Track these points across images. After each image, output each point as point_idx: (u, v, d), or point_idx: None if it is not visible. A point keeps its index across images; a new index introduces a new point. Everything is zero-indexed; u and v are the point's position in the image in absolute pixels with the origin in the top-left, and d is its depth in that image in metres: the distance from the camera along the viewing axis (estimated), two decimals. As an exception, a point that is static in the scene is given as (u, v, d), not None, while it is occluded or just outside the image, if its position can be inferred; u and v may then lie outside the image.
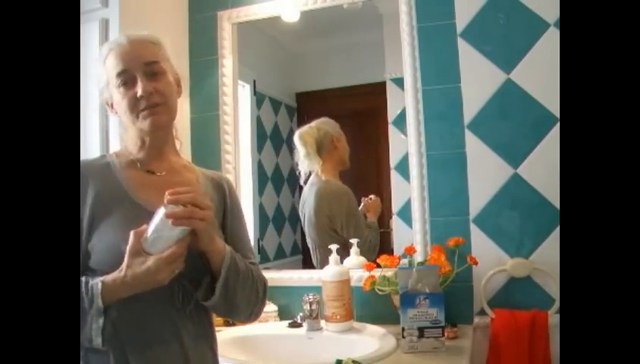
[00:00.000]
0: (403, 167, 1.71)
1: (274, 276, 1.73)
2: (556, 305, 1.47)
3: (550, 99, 1.50)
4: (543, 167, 1.51)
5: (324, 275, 1.54)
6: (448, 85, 1.61)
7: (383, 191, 1.86)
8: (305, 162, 1.84)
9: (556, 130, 1.50)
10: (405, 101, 1.66)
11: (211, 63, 1.90)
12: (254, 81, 1.99)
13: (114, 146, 1.57)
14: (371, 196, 1.83)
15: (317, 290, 1.55)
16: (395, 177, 1.79)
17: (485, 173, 1.56)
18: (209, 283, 0.94)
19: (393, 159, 1.79)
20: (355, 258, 1.68)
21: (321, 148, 1.84)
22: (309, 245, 1.86)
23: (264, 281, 1.05)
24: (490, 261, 1.52)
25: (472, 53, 1.59)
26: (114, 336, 0.86)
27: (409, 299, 1.33)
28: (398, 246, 1.73)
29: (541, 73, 1.52)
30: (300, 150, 1.84)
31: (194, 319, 0.95)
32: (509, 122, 1.54)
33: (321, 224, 1.82)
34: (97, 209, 0.91)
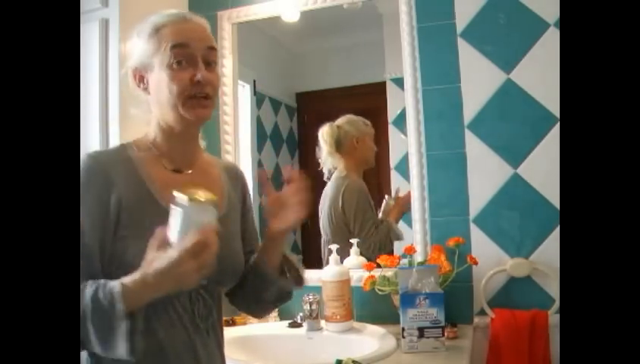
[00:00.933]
0: (403, 167, 1.71)
1: (274, 276, 1.73)
2: (556, 305, 1.47)
3: (550, 99, 1.50)
4: (543, 167, 1.51)
5: (324, 275, 1.54)
6: (448, 85, 1.61)
7: (383, 191, 1.86)
8: (328, 159, 1.85)
9: (556, 130, 1.50)
10: (405, 101, 1.66)
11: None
12: (254, 81, 1.99)
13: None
14: (400, 193, 1.78)
15: (317, 290, 1.55)
16: (395, 177, 1.79)
17: (485, 173, 1.56)
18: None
19: (393, 159, 1.79)
20: (355, 258, 1.68)
21: (341, 146, 1.84)
22: (322, 240, 1.85)
23: None
24: (490, 261, 1.52)
25: (472, 53, 1.59)
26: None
27: (409, 299, 1.33)
28: (398, 246, 1.73)
29: (541, 73, 1.52)
30: (322, 147, 1.85)
31: (210, 335, 0.92)
32: (509, 122, 1.54)
33: (335, 219, 1.83)
34: (121, 214, 0.83)
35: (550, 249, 1.49)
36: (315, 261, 1.84)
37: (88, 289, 0.77)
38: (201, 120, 0.90)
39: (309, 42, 2.02)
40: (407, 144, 1.66)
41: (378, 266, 1.55)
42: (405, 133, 1.68)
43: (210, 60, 0.90)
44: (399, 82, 1.71)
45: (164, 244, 0.76)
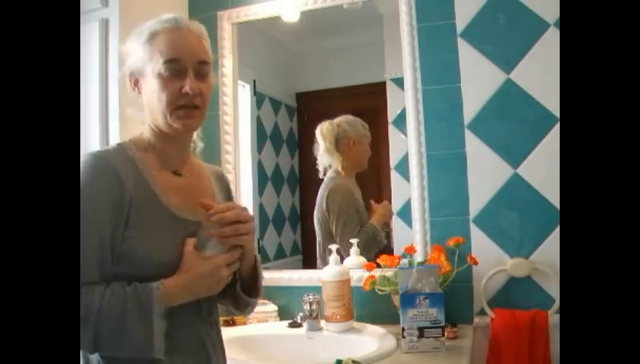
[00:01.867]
0: (403, 167, 1.71)
1: (274, 276, 1.73)
2: (556, 305, 1.47)
3: (550, 99, 1.50)
4: (543, 167, 1.51)
5: (324, 275, 1.54)
6: (448, 85, 1.61)
7: (383, 191, 1.86)
8: (325, 157, 1.85)
9: (556, 130, 1.50)
10: (405, 101, 1.66)
11: (211, 63, 1.89)
12: (254, 81, 1.99)
13: (114, 146, 1.58)
14: (383, 202, 1.82)
15: (317, 290, 1.55)
16: (395, 177, 1.79)
17: (485, 173, 1.56)
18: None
19: (393, 159, 1.79)
20: (355, 258, 1.68)
21: (338, 145, 1.84)
22: (317, 241, 1.86)
23: None
24: (491, 261, 1.52)
25: (472, 53, 1.59)
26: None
27: (409, 299, 1.33)
28: (398, 246, 1.72)
29: (541, 73, 1.51)
30: (320, 144, 1.85)
31: (213, 327, 0.98)
32: (509, 122, 1.54)
33: (322, 221, 1.83)
34: (131, 213, 0.85)
35: (550, 249, 1.49)
36: (315, 261, 1.84)
37: (117, 289, 0.80)
38: (188, 129, 0.93)
39: (309, 42, 2.02)
40: (407, 144, 1.66)
41: (378, 266, 1.55)
42: (405, 133, 1.68)
43: (202, 72, 0.92)
44: (399, 82, 1.71)
45: (198, 255, 0.87)
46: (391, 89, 1.81)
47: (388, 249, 1.76)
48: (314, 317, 1.53)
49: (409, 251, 1.57)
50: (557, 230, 1.48)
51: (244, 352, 1.43)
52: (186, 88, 0.88)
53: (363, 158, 1.85)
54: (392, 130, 1.80)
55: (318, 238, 1.84)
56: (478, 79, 1.58)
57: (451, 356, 1.30)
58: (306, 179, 1.98)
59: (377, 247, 1.78)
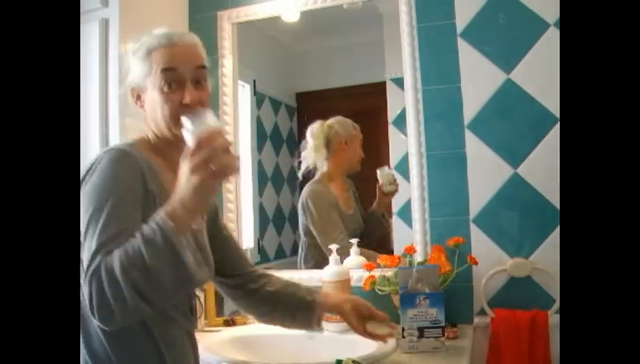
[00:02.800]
0: (403, 167, 1.71)
1: (274, 276, 1.73)
2: (556, 305, 1.47)
3: (550, 99, 1.50)
4: (543, 167, 1.51)
5: (324, 275, 1.54)
6: (448, 85, 1.61)
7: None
8: (312, 155, 1.84)
9: (556, 130, 1.50)
10: (405, 101, 1.66)
11: (211, 63, 1.87)
12: (254, 81, 1.99)
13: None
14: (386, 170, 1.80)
15: (317, 290, 1.55)
16: (395, 177, 1.79)
17: (485, 173, 1.56)
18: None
19: (393, 159, 1.79)
20: (355, 258, 1.68)
21: (329, 146, 1.84)
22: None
23: None
24: (491, 261, 1.52)
25: (472, 53, 1.59)
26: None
27: (409, 299, 1.33)
28: (398, 246, 1.72)
29: (541, 73, 1.51)
30: (309, 142, 1.85)
31: (195, 325, 1.09)
32: (509, 122, 1.54)
33: (301, 221, 1.85)
34: (147, 215, 0.83)
35: (550, 249, 1.49)
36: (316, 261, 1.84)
37: (132, 240, 0.77)
38: None
39: (308, 42, 2.02)
40: (407, 144, 1.65)
41: (378, 266, 1.55)
42: (405, 133, 1.68)
43: (199, 78, 0.95)
44: (399, 82, 1.71)
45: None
46: (391, 89, 1.81)
47: (388, 249, 1.76)
48: (314, 317, 1.52)
49: (409, 251, 1.57)
50: (557, 230, 1.48)
51: (244, 352, 1.43)
52: (186, 99, 0.92)
53: (355, 158, 1.84)
54: (392, 130, 1.80)
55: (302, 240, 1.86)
56: (478, 79, 1.58)
57: (451, 356, 1.30)
58: (306, 179, 1.98)
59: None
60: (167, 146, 0.97)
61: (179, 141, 0.92)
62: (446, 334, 1.36)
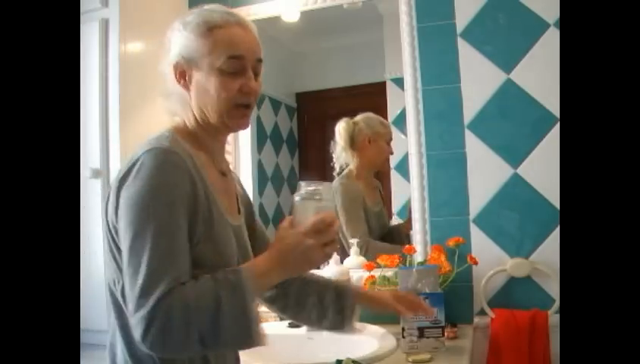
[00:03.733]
0: (403, 167, 1.71)
1: (274, 276, 1.73)
2: (556, 305, 1.47)
3: (550, 99, 1.50)
4: (543, 167, 1.51)
5: (324, 275, 1.53)
6: (448, 85, 1.61)
7: (383, 191, 1.86)
8: (342, 155, 1.84)
9: (556, 130, 1.50)
10: (405, 101, 1.66)
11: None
12: (254, 81, 1.99)
13: (114, 147, 1.57)
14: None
15: (317, 290, 1.55)
16: (395, 177, 1.79)
17: (485, 173, 1.56)
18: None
19: (393, 159, 1.79)
20: (355, 258, 1.68)
21: (354, 143, 1.83)
22: None
23: None
24: (491, 261, 1.52)
25: (472, 53, 1.58)
26: None
27: (409, 299, 1.33)
28: (398, 246, 1.73)
29: (541, 73, 1.51)
30: (337, 142, 1.84)
31: None
32: (509, 122, 1.54)
33: None
34: (198, 214, 0.82)
35: (550, 249, 1.49)
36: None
37: (208, 283, 0.77)
38: (241, 128, 0.94)
39: (308, 42, 2.02)
40: (407, 144, 1.66)
41: (378, 266, 1.55)
42: (405, 133, 1.68)
43: (257, 71, 0.91)
44: (399, 82, 1.71)
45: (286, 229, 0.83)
46: (391, 89, 1.81)
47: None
48: (314, 317, 1.52)
49: (409, 251, 1.57)
50: (557, 230, 1.48)
51: (244, 352, 1.43)
52: (248, 87, 0.88)
53: (380, 156, 1.83)
54: (392, 129, 1.81)
55: None
56: (478, 79, 1.58)
57: (451, 356, 1.29)
58: (306, 179, 1.98)
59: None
60: (207, 135, 0.91)
61: (225, 130, 0.91)
62: (446, 334, 1.35)
